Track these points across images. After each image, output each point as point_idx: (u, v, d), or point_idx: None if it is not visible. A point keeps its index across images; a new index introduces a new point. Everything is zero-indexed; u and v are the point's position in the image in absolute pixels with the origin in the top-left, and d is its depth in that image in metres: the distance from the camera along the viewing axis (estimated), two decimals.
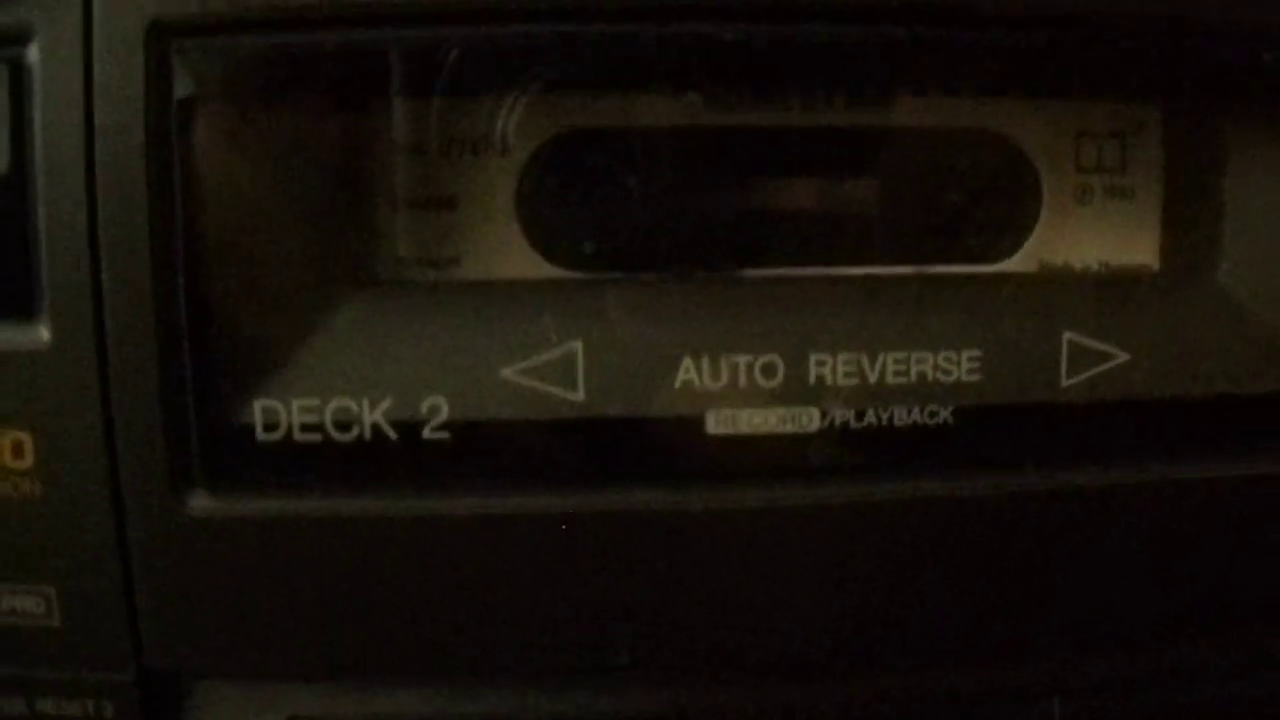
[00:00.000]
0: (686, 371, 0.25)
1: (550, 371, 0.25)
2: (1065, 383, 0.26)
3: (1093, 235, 0.30)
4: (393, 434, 0.25)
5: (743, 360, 0.26)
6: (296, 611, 0.26)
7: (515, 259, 0.28)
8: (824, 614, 0.27)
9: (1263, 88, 0.27)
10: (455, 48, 0.24)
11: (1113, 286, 0.28)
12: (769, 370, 0.26)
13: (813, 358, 0.26)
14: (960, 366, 0.26)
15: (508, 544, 0.25)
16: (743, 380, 0.26)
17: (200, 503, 0.25)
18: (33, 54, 0.24)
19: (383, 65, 0.25)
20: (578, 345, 0.25)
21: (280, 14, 0.24)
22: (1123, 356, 0.27)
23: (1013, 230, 0.29)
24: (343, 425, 0.25)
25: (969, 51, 0.26)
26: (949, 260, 0.29)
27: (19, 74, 0.24)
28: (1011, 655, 0.28)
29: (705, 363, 0.26)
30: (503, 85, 0.26)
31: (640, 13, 0.24)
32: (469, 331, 0.26)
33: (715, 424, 0.26)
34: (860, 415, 0.26)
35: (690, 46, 0.25)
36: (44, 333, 0.25)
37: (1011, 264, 0.29)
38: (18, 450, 0.25)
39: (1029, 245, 0.29)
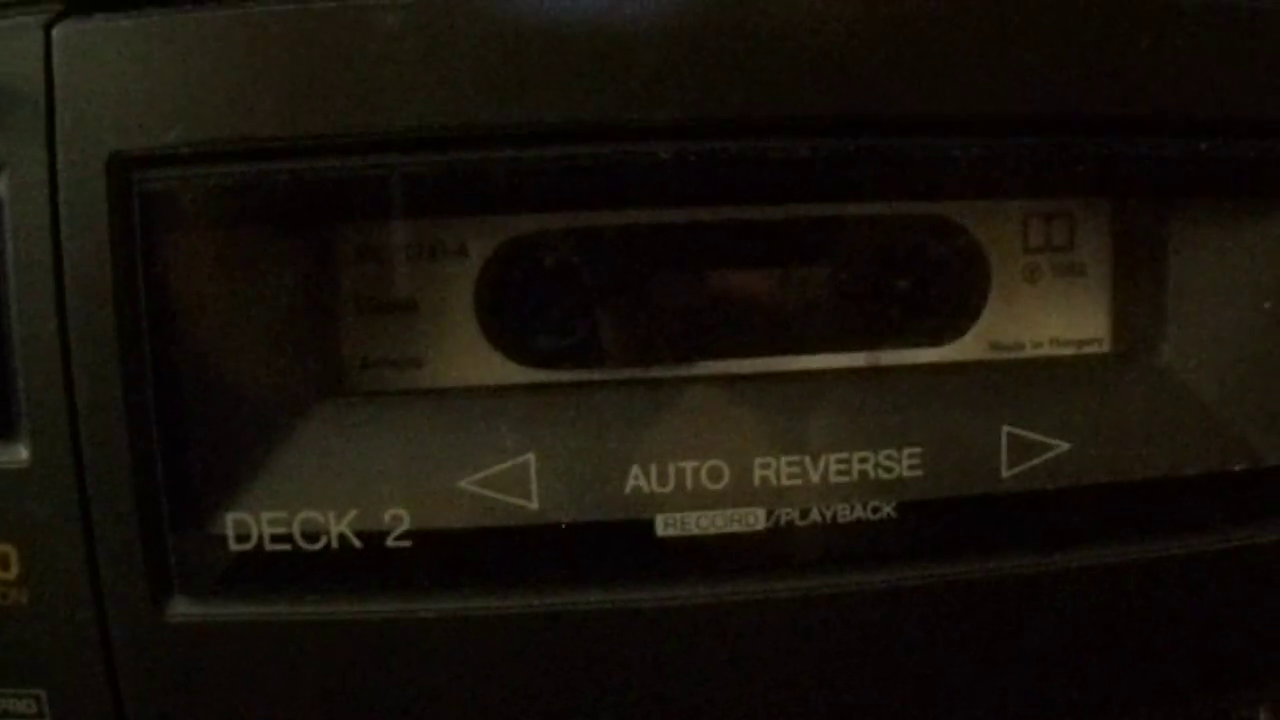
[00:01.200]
0: (635, 478, 0.27)
1: (505, 482, 0.26)
2: (1005, 474, 0.27)
3: (1043, 313, 0.30)
4: (358, 543, 0.26)
5: (689, 465, 0.27)
6: (273, 710, 0.27)
7: (475, 359, 0.29)
8: (776, 706, 0.28)
9: (1200, 173, 0.28)
10: (406, 175, 0.25)
11: (1055, 373, 0.29)
12: (715, 474, 0.27)
13: (757, 461, 0.27)
14: (902, 463, 0.27)
15: (469, 645, 0.27)
16: (690, 484, 0.27)
17: (179, 609, 0.27)
18: (1, 185, 0.25)
19: (338, 190, 0.26)
20: (531, 456, 0.26)
21: (234, 146, 0.25)
22: (1063, 446, 0.28)
23: (963, 311, 0.30)
24: (311, 536, 0.26)
25: (914, 160, 0.26)
26: (900, 345, 0.30)
27: None
28: None
29: (653, 469, 0.27)
30: (456, 206, 0.27)
31: (584, 136, 0.25)
32: (429, 443, 0.27)
33: (664, 527, 0.27)
34: (805, 514, 0.27)
35: (633, 165, 0.25)
36: (23, 452, 0.26)
37: (962, 345, 0.30)
38: (4, 562, 0.27)
39: (979, 326, 0.30)
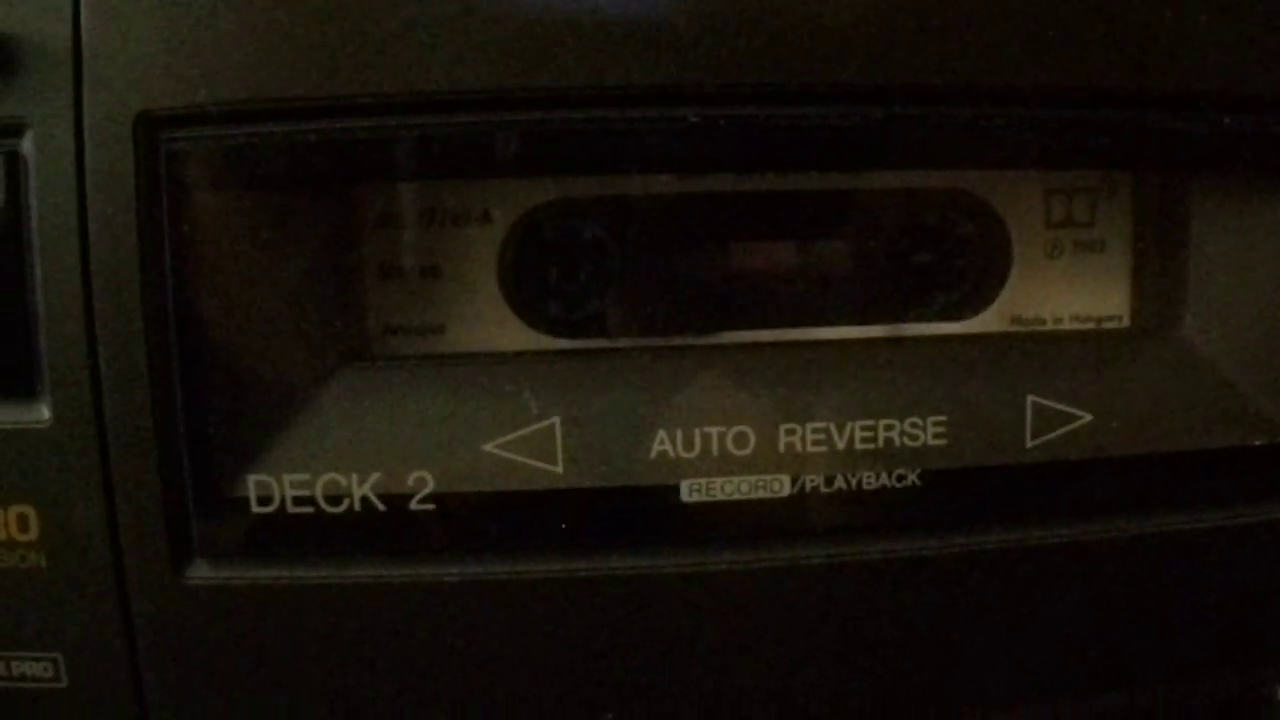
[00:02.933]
0: (661, 443, 0.26)
1: (530, 445, 0.26)
2: (1030, 444, 0.27)
3: (1064, 289, 0.31)
4: (381, 506, 0.26)
5: (715, 431, 0.27)
6: (293, 674, 0.27)
7: (498, 326, 0.29)
8: (799, 673, 0.28)
9: (1223, 149, 0.28)
10: (433, 136, 0.25)
11: (1077, 345, 0.29)
12: (740, 440, 0.27)
13: (783, 427, 0.27)
14: (926, 431, 0.27)
15: (492, 609, 0.27)
16: (715, 450, 0.27)
17: (199, 572, 0.26)
18: (27, 144, 0.25)
19: (364, 151, 0.26)
20: (556, 420, 0.26)
21: (261, 106, 0.25)
22: (1086, 417, 0.28)
23: (984, 286, 0.30)
24: (333, 499, 0.26)
25: (939, 130, 0.26)
26: (921, 319, 0.30)
27: (14, 164, 0.25)
28: (984, 709, 0.29)
29: (679, 434, 0.26)
30: (482, 168, 0.27)
31: (612, 100, 0.25)
32: (453, 407, 0.27)
33: (689, 492, 0.27)
34: (830, 480, 0.27)
35: (660, 130, 0.25)
36: (45, 411, 0.26)
37: (983, 320, 0.30)
38: (23, 523, 0.26)
39: (1000, 301, 0.30)
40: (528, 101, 0.25)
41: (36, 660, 0.27)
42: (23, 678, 0.27)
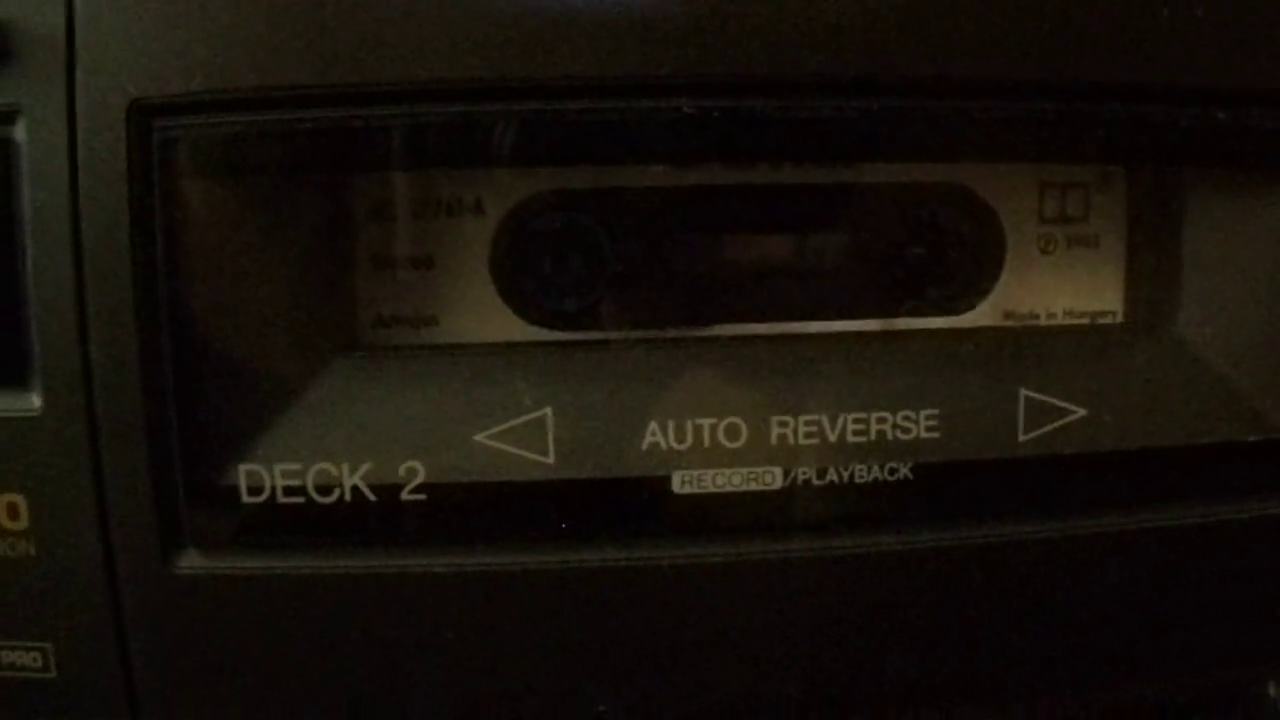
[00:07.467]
0: (653, 434, 0.26)
1: (522, 436, 0.26)
2: (1022, 438, 0.27)
3: (1057, 284, 0.31)
4: (372, 496, 0.26)
5: (707, 423, 0.26)
6: (283, 664, 0.27)
7: (491, 318, 0.29)
8: (790, 665, 0.28)
9: (1217, 143, 0.28)
10: (425, 126, 0.25)
11: (1070, 340, 0.29)
12: (733, 432, 0.27)
13: (774, 420, 0.27)
14: (919, 425, 0.27)
15: (483, 600, 0.26)
16: (707, 442, 0.26)
17: (189, 562, 0.26)
18: (19, 132, 0.25)
19: (358, 140, 0.25)
20: (548, 411, 0.26)
21: (256, 94, 0.25)
22: (1079, 412, 0.28)
23: (977, 281, 0.30)
24: (324, 489, 0.26)
25: (933, 122, 0.26)
26: (915, 313, 0.30)
27: (6, 151, 0.25)
28: (974, 703, 0.29)
29: (671, 426, 0.26)
30: (476, 158, 0.26)
31: (607, 90, 0.25)
32: (444, 397, 0.27)
33: (681, 484, 0.26)
34: (822, 473, 0.27)
35: (654, 121, 0.25)
36: (36, 400, 0.26)
37: (976, 315, 0.30)
38: (13, 512, 0.26)
39: (993, 296, 0.30)
40: (520, 92, 0.25)
41: (26, 650, 0.27)
42: (12, 667, 0.27)
